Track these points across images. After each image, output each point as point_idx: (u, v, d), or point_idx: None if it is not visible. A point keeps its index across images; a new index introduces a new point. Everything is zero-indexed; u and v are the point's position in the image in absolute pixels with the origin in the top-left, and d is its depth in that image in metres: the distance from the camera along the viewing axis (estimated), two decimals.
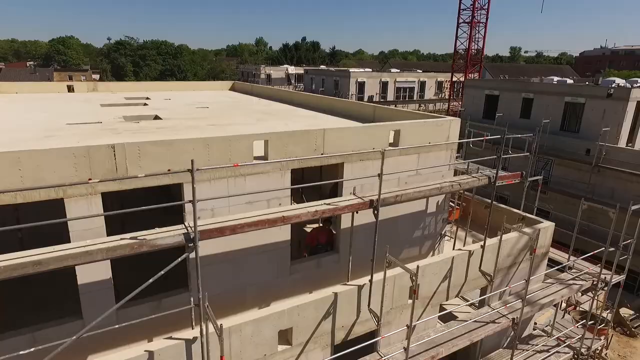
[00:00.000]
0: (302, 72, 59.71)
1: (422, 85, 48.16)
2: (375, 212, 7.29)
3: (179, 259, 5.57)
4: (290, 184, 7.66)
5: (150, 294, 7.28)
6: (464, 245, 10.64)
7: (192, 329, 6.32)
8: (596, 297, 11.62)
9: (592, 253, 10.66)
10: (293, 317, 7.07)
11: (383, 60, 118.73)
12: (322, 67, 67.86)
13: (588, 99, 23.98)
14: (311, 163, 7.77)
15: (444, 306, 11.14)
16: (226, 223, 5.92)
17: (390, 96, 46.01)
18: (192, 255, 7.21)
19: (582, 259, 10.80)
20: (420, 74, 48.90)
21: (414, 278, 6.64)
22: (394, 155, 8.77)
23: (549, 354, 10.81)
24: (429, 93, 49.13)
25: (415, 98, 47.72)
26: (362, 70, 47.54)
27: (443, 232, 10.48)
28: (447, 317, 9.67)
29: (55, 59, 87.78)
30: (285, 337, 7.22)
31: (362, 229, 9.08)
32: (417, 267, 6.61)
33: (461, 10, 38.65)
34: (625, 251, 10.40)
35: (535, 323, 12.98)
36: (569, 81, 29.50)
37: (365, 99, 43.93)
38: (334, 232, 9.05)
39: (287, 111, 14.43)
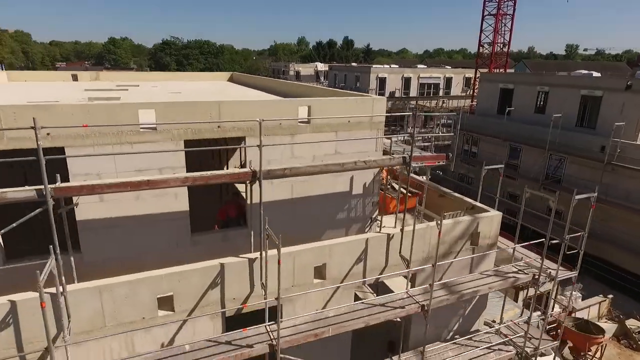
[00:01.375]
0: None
1: (449, 81, 46.56)
2: (259, 184, 7.26)
3: (32, 214, 5.88)
4: (184, 155, 7.82)
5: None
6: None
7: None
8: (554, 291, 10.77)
9: (528, 243, 9.89)
10: (173, 283, 7.20)
11: (428, 59, 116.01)
12: (354, 64, 67.52)
13: (606, 91, 22.12)
14: (205, 135, 7.87)
15: None
16: (85, 183, 6.18)
17: (414, 92, 44.93)
18: (82, 217, 7.60)
19: (522, 246, 10.06)
20: (446, 70, 47.33)
21: (277, 248, 6.57)
22: (305, 131, 8.68)
23: (491, 350, 10.18)
24: (456, 90, 47.40)
25: (440, 94, 46.26)
26: (384, 66, 46.78)
27: (374, 217, 10.18)
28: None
29: (106, 58, 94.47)
30: (168, 303, 7.38)
31: (278, 205, 9.08)
32: (279, 246, 6.50)
33: (486, 2, 37.00)
34: (575, 244, 9.55)
35: (494, 321, 12.25)
36: (596, 74, 27.28)
37: (387, 95, 43.23)
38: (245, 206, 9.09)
39: (257, 97, 14.61)
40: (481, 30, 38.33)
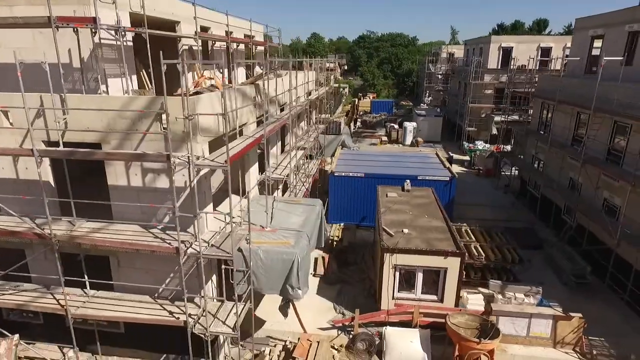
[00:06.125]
0: None
1: None
2: None
3: None
4: None
5: None
6: None
7: None
8: None
9: None
10: None
11: None
12: (482, 36, 57.47)
13: None
14: None
15: None
16: None
17: (557, 65, 35.48)
18: None
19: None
20: None
21: None
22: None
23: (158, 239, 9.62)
24: None
25: None
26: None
27: (99, 92, 10.91)
28: None
29: (306, 52, 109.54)
30: None
31: None
32: None
33: None
34: None
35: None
36: None
37: (512, 68, 35.85)
38: None
39: None
40: None
